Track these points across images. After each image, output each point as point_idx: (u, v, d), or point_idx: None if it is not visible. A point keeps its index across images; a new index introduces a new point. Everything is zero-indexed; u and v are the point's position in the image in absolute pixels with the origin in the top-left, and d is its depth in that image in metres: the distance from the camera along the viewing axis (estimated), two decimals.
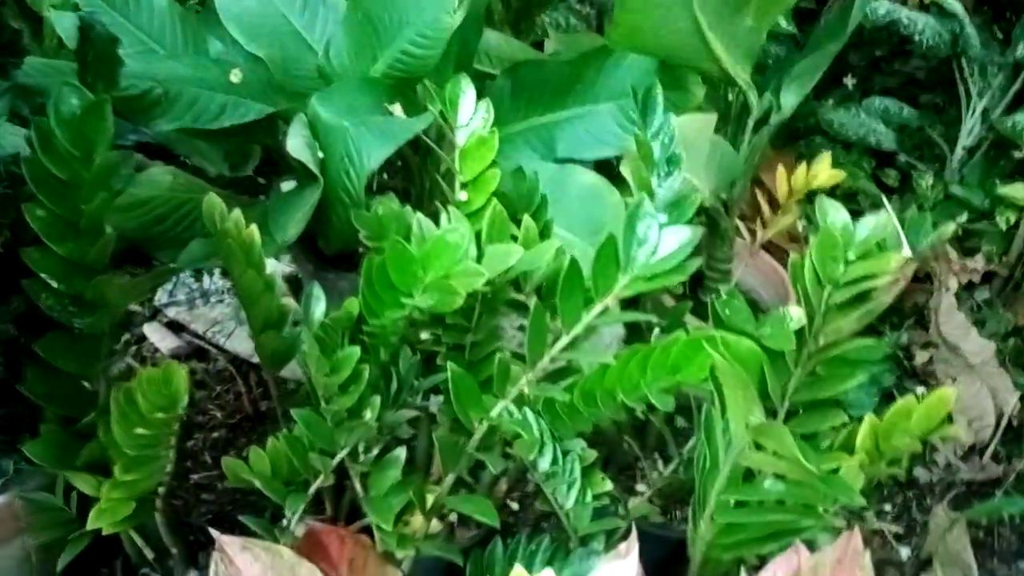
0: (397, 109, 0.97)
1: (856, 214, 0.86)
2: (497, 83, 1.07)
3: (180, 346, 1.25)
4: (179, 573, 0.86)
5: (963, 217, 1.46)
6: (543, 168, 1.02)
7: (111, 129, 0.70)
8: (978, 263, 1.41)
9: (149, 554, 0.79)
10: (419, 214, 0.72)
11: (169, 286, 1.34)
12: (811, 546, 0.66)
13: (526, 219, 0.78)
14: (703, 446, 0.65)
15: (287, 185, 1.00)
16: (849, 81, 1.68)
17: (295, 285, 1.31)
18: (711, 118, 0.92)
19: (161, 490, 0.76)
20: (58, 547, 0.81)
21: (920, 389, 1.25)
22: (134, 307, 1.31)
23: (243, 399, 1.20)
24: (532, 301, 0.74)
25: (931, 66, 1.66)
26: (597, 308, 0.65)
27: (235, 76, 1.00)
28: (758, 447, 0.57)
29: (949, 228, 0.82)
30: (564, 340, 0.67)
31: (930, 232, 0.80)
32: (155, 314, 1.31)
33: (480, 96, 1.11)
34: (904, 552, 1.09)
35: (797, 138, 1.59)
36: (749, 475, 0.65)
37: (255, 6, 1.06)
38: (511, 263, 0.70)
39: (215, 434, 1.16)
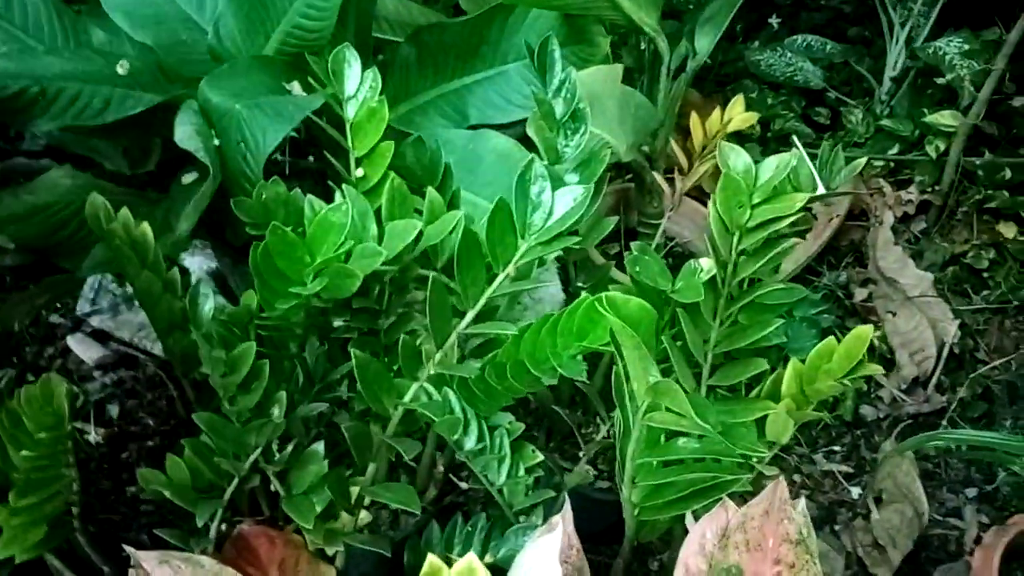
0: (295, 87, 0.93)
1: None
2: (401, 51, 1.03)
3: (106, 355, 1.20)
4: None
5: (895, 149, 1.46)
6: (456, 136, 0.99)
7: None
8: (912, 194, 1.40)
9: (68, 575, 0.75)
10: (311, 196, 0.68)
11: (91, 294, 1.28)
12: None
13: (430, 191, 0.75)
14: (617, 410, 0.63)
15: (188, 177, 0.96)
16: (775, 21, 1.66)
17: (222, 280, 1.27)
18: (616, 69, 0.89)
19: (75, 510, 0.73)
20: None
21: (861, 327, 1.25)
22: (56, 319, 1.26)
23: (176, 404, 1.16)
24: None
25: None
26: (500, 278, 0.63)
27: (122, 67, 0.95)
28: (660, 407, 0.55)
29: (860, 162, 0.80)
30: (470, 314, 0.64)
31: (843, 168, 0.78)
32: (78, 324, 1.26)
33: (387, 66, 1.07)
34: (855, 491, 1.09)
35: (726, 83, 1.57)
36: (671, 435, 0.63)
37: None
38: (411, 239, 0.67)
39: (150, 443, 1.12)
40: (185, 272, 1.27)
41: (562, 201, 0.61)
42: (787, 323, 1.20)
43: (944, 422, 1.14)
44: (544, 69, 0.78)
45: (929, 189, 1.40)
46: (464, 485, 1.08)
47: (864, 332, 0.68)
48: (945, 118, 1.36)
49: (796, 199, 0.66)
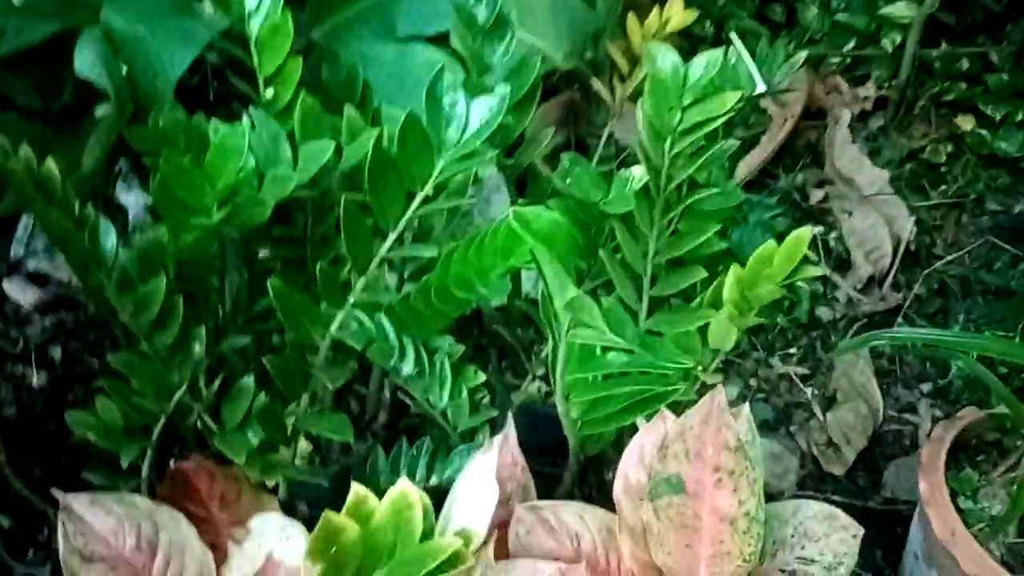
0: (206, 6, 0.87)
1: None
2: None
3: (44, 297, 1.17)
4: None
5: (851, 44, 1.41)
6: (385, 50, 0.94)
7: None
8: (868, 90, 1.37)
9: (4, 521, 0.74)
10: (214, 120, 0.64)
11: (24, 236, 1.24)
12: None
13: (348, 109, 0.71)
14: (545, 328, 0.61)
15: (102, 110, 0.90)
16: None
17: None
18: None
19: (1, 457, 0.71)
20: None
21: (817, 229, 1.23)
22: None
23: (122, 344, 1.13)
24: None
25: None
26: (418, 198, 0.60)
27: None
28: (583, 323, 0.53)
29: (799, 57, 0.76)
30: (391, 237, 0.62)
31: (782, 64, 0.75)
32: (14, 268, 1.22)
33: None
34: (811, 392, 1.09)
35: None
36: (604, 350, 0.61)
37: None
38: (324, 161, 0.64)
39: (96, 384, 1.09)
40: (121, 209, 1.23)
41: (478, 111, 0.58)
42: (741, 228, 1.18)
43: (900, 319, 1.14)
44: None
45: (886, 84, 1.36)
46: (419, 410, 1.07)
47: (803, 234, 0.66)
48: (900, 9, 1.31)
49: (729, 98, 0.63)
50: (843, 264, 1.19)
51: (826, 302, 1.17)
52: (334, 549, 0.47)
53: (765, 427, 1.05)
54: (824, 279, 1.18)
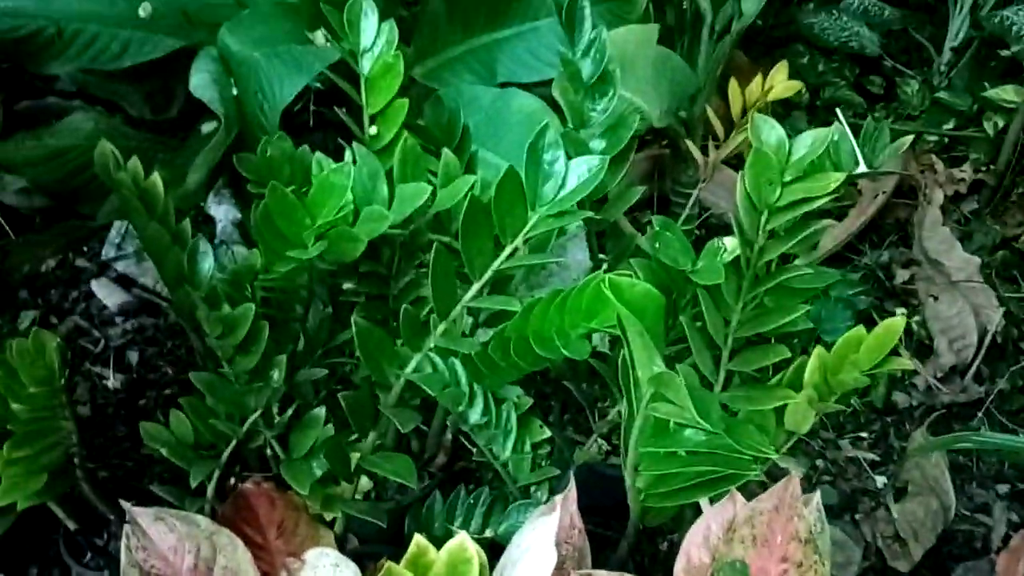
0: (318, 37, 0.90)
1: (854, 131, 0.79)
2: (429, 4, 0.99)
3: (128, 301, 1.21)
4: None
5: (950, 124, 1.38)
6: (483, 93, 0.96)
7: None
8: (965, 172, 1.33)
9: (72, 525, 0.76)
10: (319, 154, 0.66)
11: (117, 239, 1.28)
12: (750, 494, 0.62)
13: (445, 153, 0.72)
14: (623, 395, 0.60)
15: (207, 127, 0.94)
16: None
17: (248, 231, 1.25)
18: (652, 29, 0.84)
19: (77, 460, 0.73)
20: None
21: (900, 310, 1.20)
22: (83, 263, 1.27)
23: (196, 354, 1.16)
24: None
25: None
26: (507, 250, 0.60)
27: (144, 10, 0.93)
28: (664, 397, 0.52)
29: (906, 140, 0.74)
30: (476, 286, 0.62)
31: (888, 144, 0.73)
32: (103, 269, 1.26)
33: (416, 20, 1.04)
34: (880, 480, 1.05)
35: (777, 47, 1.50)
36: (679, 425, 0.60)
37: None
38: (420, 203, 0.64)
39: (167, 391, 1.12)
40: (211, 220, 1.27)
41: (576, 171, 0.58)
42: (822, 303, 1.15)
43: (980, 414, 1.10)
44: (572, 27, 0.73)
45: (984, 168, 1.32)
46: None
47: (895, 324, 0.64)
48: (1007, 93, 1.28)
49: (831, 179, 0.62)
50: (924, 350, 1.15)
51: (903, 388, 1.13)
52: None
53: (829, 513, 1.01)
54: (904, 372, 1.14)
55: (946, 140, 1.37)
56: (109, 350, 1.14)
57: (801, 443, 1.08)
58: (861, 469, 1.06)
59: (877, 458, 1.07)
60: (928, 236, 1.26)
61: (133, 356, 1.14)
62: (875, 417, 1.11)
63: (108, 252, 1.28)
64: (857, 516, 1.02)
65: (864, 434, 1.10)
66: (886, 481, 1.05)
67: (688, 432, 0.56)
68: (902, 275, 1.23)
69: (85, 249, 1.26)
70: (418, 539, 0.51)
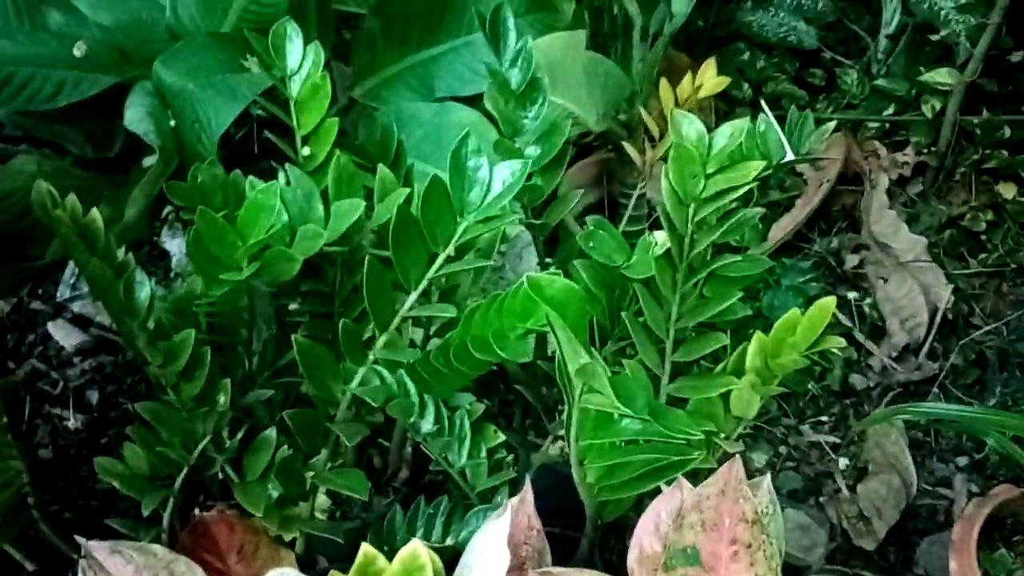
0: (254, 64, 0.90)
1: (782, 120, 0.81)
2: (365, 24, 1.01)
3: (86, 340, 1.20)
4: None
5: (890, 109, 1.41)
6: (423, 109, 0.97)
7: None
8: (908, 156, 1.36)
9: (31, 567, 0.75)
10: (251, 178, 0.67)
11: (71, 279, 1.28)
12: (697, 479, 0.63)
13: (381, 168, 0.73)
14: (561, 391, 0.61)
15: (148, 161, 0.94)
16: None
17: None
18: (579, 35, 0.86)
19: (31, 500, 0.72)
20: None
21: (852, 294, 1.22)
22: (38, 305, 1.26)
23: (155, 388, 1.15)
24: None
25: None
26: (440, 258, 0.61)
27: (79, 49, 0.93)
28: (593, 389, 0.53)
29: (828, 126, 0.76)
30: (413, 296, 0.62)
31: (812, 132, 0.75)
32: (59, 310, 1.26)
33: (353, 41, 1.05)
34: (843, 462, 1.07)
35: (718, 47, 1.53)
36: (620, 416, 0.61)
37: None
38: (356, 219, 0.65)
39: (129, 427, 1.11)
40: (165, 255, 1.27)
41: (500, 175, 0.59)
42: (773, 292, 1.17)
43: (935, 390, 1.12)
44: (497, 38, 0.75)
45: (926, 150, 1.35)
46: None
47: (827, 303, 0.66)
48: (941, 76, 1.30)
49: (752, 167, 0.64)
50: (878, 331, 1.17)
51: (860, 370, 1.15)
52: None
53: (794, 497, 1.03)
54: (859, 347, 1.16)
55: (887, 126, 1.40)
56: (68, 391, 1.13)
57: (763, 431, 1.09)
58: (823, 453, 1.08)
59: (838, 440, 1.09)
60: (875, 220, 1.28)
61: (93, 395, 1.13)
62: (834, 400, 1.13)
63: (63, 293, 1.27)
64: (822, 499, 1.03)
65: (824, 418, 1.11)
66: (848, 463, 1.06)
67: (625, 422, 0.57)
68: (852, 260, 1.25)
69: (40, 292, 1.25)
70: (365, 548, 0.52)
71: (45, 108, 0.88)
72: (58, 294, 1.26)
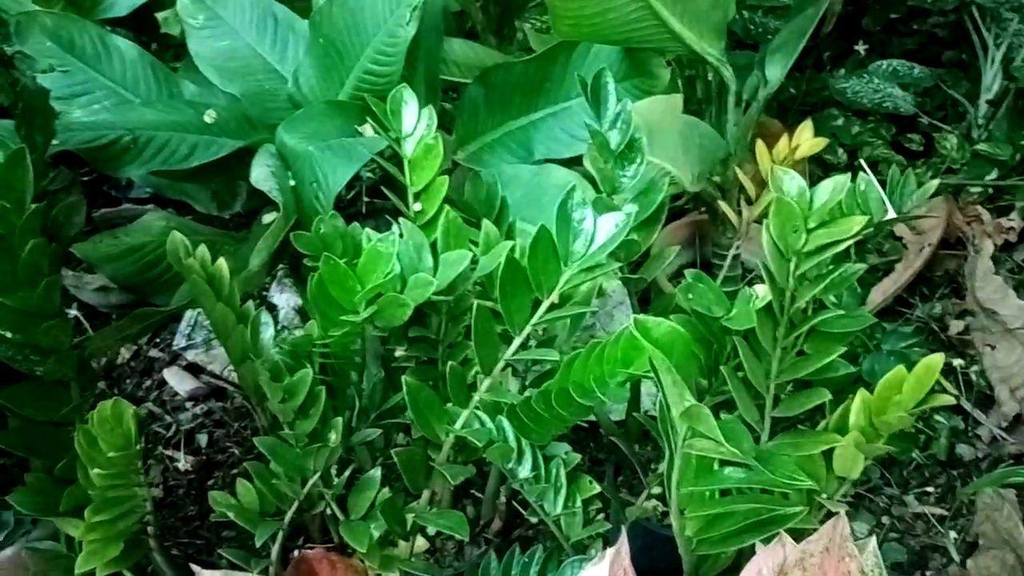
0: (367, 130, 0.97)
1: (881, 183, 0.81)
2: (469, 92, 1.06)
3: (198, 387, 1.27)
4: None
5: (993, 174, 1.38)
6: (522, 171, 1.01)
7: (30, 178, 0.70)
8: (1013, 221, 1.33)
9: None
10: (368, 229, 0.71)
11: (187, 329, 1.36)
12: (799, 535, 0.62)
13: (485, 223, 0.76)
14: (663, 439, 0.62)
15: (268, 217, 1.01)
16: (861, 48, 1.62)
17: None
18: (676, 99, 0.89)
19: (151, 529, 0.77)
20: None
21: (957, 361, 1.18)
22: (155, 353, 1.34)
23: (261, 432, 1.21)
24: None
25: (950, 21, 1.59)
26: (544, 305, 0.63)
27: (209, 116, 1.02)
28: (698, 433, 0.53)
29: (931, 185, 0.76)
30: (516, 341, 0.65)
31: (914, 191, 0.75)
32: (175, 358, 1.33)
33: (457, 108, 1.11)
34: (951, 535, 1.02)
35: (811, 113, 1.54)
36: (722, 464, 0.61)
37: (227, 47, 1.07)
38: (463, 269, 0.69)
39: (235, 471, 1.17)
40: (273, 308, 1.34)
41: (604, 227, 0.62)
42: (873, 356, 1.15)
43: None
44: (598, 102, 0.78)
45: None
46: (534, 520, 1.08)
47: (934, 361, 0.65)
48: None
49: (855, 222, 0.64)
50: (986, 400, 1.13)
51: (967, 440, 1.11)
52: None
53: (898, 570, 0.99)
54: (965, 415, 1.12)
55: (990, 191, 1.37)
56: (180, 434, 1.19)
57: (864, 499, 1.06)
58: (929, 525, 1.04)
59: (945, 512, 1.04)
60: (981, 286, 1.25)
61: (202, 439, 1.19)
62: (940, 471, 1.08)
63: (179, 342, 1.35)
64: (928, 572, 0.98)
65: (930, 488, 1.07)
66: (956, 536, 1.02)
67: (728, 470, 0.57)
68: (956, 326, 1.22)
69: (158, 340, 1.33)
70: None
71: (178, 168, 0.96)
72: (174, 343, 1.35)
